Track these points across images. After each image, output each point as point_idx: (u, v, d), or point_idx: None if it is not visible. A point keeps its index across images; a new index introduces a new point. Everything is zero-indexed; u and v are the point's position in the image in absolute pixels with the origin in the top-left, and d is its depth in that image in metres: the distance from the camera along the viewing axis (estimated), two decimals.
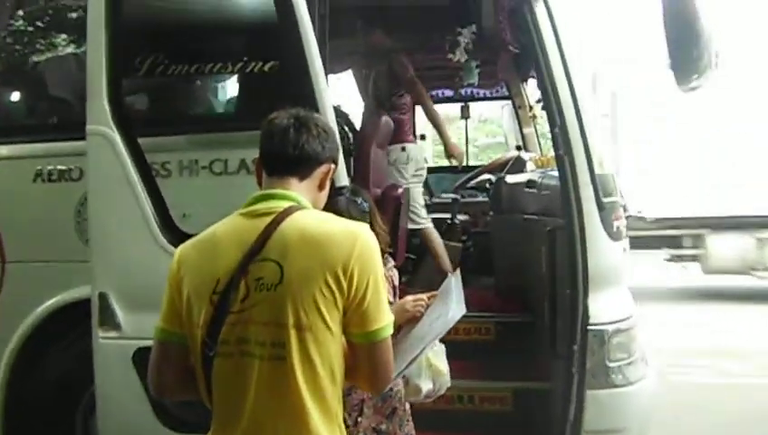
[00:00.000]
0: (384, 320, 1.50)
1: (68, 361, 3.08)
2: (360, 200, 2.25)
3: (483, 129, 17.58)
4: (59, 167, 3.00)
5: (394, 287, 2.45)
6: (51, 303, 3.07)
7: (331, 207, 2.06)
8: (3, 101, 3.45)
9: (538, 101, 4.87)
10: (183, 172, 2.65)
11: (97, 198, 2.62)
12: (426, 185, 5.04)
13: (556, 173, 2.95)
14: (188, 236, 2.50)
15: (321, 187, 1.68)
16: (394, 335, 1.60)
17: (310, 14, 2.50)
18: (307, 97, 2.44)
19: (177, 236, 2.51)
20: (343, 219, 1.62)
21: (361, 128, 4.12)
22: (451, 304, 2.04)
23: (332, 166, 1.70)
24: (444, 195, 5.90)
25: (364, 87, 5.14)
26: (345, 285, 1.44)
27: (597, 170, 2.68)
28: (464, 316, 2.00)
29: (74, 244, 2.97)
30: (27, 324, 3.11)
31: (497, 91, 6.57)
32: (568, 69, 2.71)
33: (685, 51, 2.70)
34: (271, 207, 1.54)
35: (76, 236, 2.97)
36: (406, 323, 2.14)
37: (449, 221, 5.09)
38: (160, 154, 2.66)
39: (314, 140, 1.62)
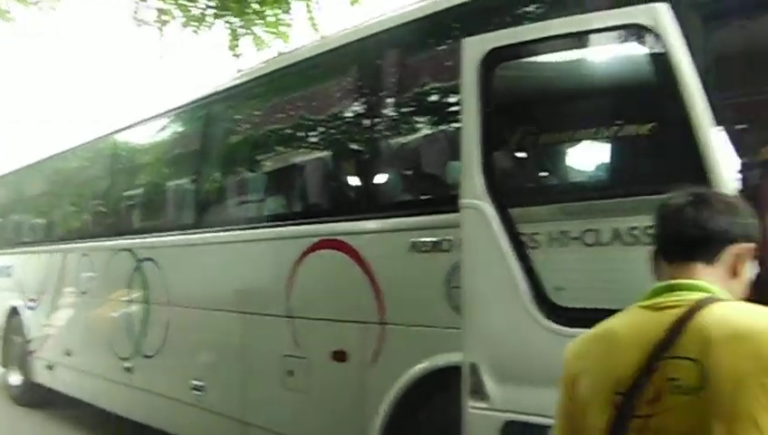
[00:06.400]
0: None
1: (434, 427, 3.20)
2: None
3: None
4: (430, 239, 3.22)
5: None
6: (421, 367, 3.25)
7: None
8: (383, 180, 3.84)
9: None
10: (552, 243, 2.59)
11: (469, 269, 2.68)
12: None
13: None
14: (561, 309, 2.47)
15: (734, 272, 1.41)
16: None
17: (695, 66, 2.26)
18: (692, 159, 2.18)
19: (550, 308, 2.43)
20: None
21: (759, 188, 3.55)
22: None
23: (748, 245, 1.42)
24: None
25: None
26: None
27: None
28: None
29: (444, 311, 3.12)
30: (399, 387, 3.34)
31: None
32: None
33: None
34: (678, 299, 1.33)
35: (445, 303, 3.13)
36: None
37: None
38: (529, 225, 2.64)
39: (719, 215, 1.38)
